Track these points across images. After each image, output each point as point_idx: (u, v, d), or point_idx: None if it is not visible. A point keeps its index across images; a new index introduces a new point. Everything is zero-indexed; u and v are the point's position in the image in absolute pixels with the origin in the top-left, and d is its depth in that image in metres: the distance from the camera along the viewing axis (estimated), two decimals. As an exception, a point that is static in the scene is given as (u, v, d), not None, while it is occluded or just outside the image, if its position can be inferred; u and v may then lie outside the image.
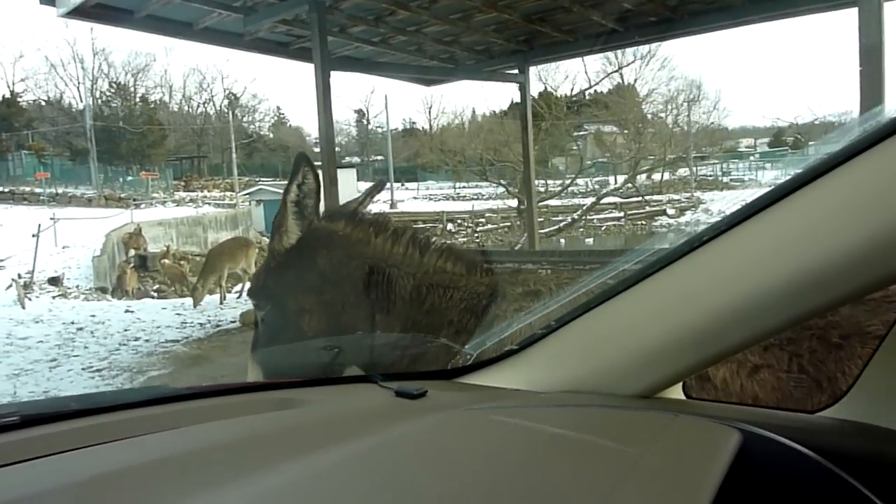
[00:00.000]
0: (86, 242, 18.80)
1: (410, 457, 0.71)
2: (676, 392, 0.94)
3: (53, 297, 12.71)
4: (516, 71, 10.04)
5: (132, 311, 9.99)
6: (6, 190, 36.61)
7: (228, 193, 39.97)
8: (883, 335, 0.88)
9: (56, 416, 0.78)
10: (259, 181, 37.72)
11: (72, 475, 0.62)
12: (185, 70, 63.03)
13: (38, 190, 36.58)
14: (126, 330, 8.70)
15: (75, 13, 7.01)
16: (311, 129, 62.17)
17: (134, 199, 35.52)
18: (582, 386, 0.92)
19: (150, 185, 38.46)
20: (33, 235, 14.50)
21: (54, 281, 14.04)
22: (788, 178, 0.73)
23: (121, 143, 40.35)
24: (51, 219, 17.96)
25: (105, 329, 8.71)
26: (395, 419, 0.85)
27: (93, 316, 9.55)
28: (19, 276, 13.89)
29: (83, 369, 6.68)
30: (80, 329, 8.75)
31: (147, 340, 8.14)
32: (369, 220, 1.75)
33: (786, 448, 0.76)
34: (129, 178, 40.26)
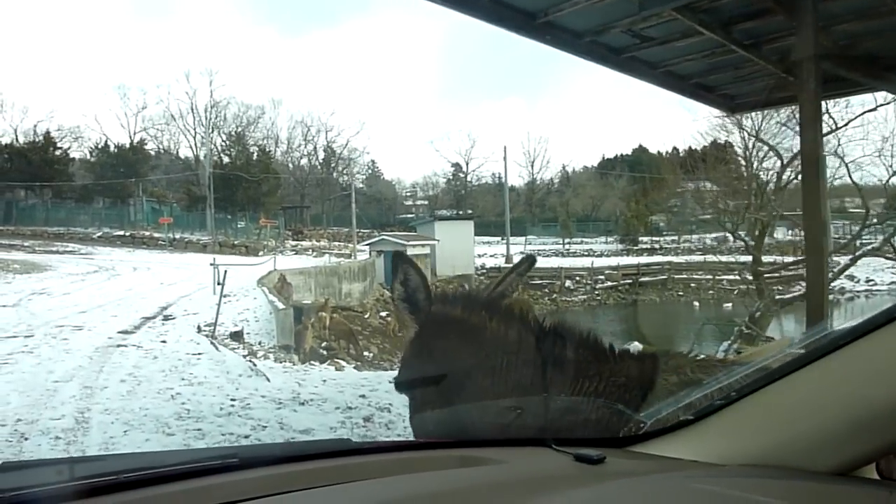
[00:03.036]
0: (244, 291, 17.02)
1: None
2: (870, 472, 0.85)
3: (245, 356, 10.56)
4: None
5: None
6: (127, 234, 36.91)
7: (336, 244, 38.84)
8: None
9: (266, 461, 0.89)
10: (380, 232, 36.28)
11: None
12: (290, 122, 63.54)
13: (157, 234, 36.55)
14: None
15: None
16: (406, 182, 61.56)
17: (245, 246, 34.86)
18: (765, 459, 0.88)
19: (265, 233, 37.84)
20: (219, 283, 12.62)
21: (236, 336, 12.03)
22: None
23: (237, 190, 40.16)
24: (211, 264, 16.27)
25: (401, 421, 6.19)
26: (575, 484, 0.88)
27: (362, 397, 7.13)
28: (199, 329, 11.91)
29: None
30: (368, 419, 6.27)
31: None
32: (491, 303, 1.65)
33: None
34: (240, 224, 39.97)
